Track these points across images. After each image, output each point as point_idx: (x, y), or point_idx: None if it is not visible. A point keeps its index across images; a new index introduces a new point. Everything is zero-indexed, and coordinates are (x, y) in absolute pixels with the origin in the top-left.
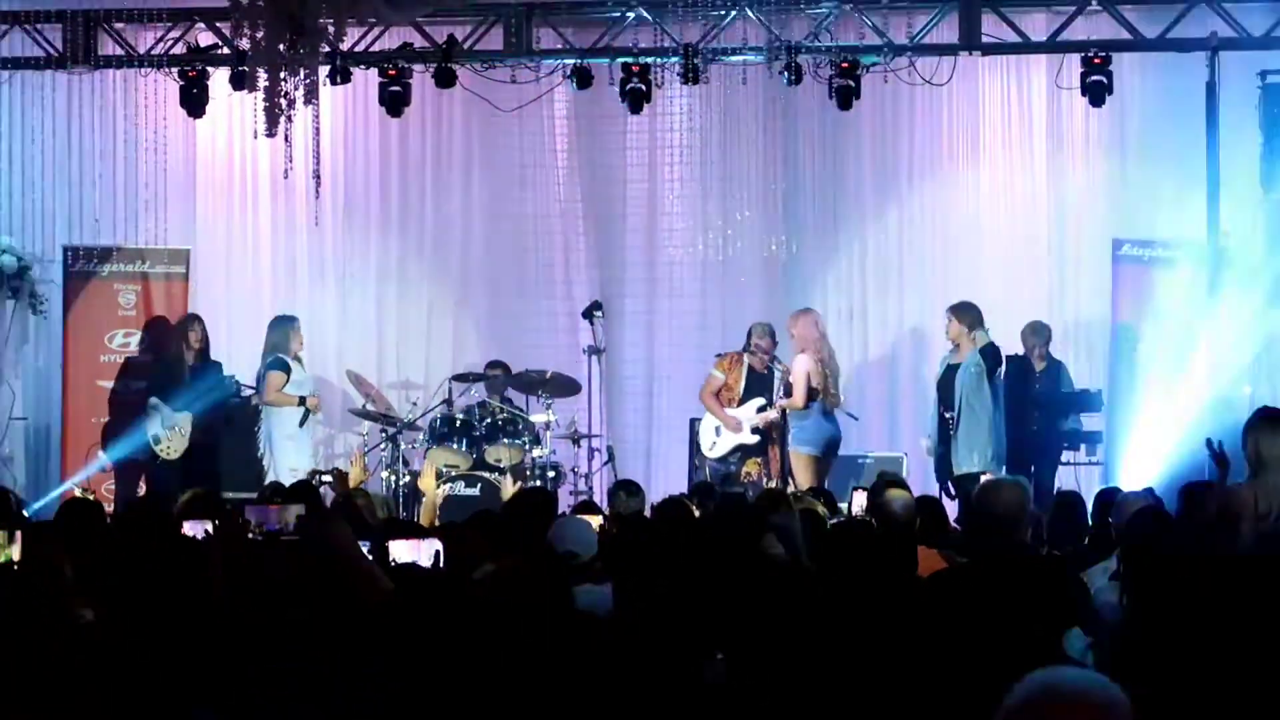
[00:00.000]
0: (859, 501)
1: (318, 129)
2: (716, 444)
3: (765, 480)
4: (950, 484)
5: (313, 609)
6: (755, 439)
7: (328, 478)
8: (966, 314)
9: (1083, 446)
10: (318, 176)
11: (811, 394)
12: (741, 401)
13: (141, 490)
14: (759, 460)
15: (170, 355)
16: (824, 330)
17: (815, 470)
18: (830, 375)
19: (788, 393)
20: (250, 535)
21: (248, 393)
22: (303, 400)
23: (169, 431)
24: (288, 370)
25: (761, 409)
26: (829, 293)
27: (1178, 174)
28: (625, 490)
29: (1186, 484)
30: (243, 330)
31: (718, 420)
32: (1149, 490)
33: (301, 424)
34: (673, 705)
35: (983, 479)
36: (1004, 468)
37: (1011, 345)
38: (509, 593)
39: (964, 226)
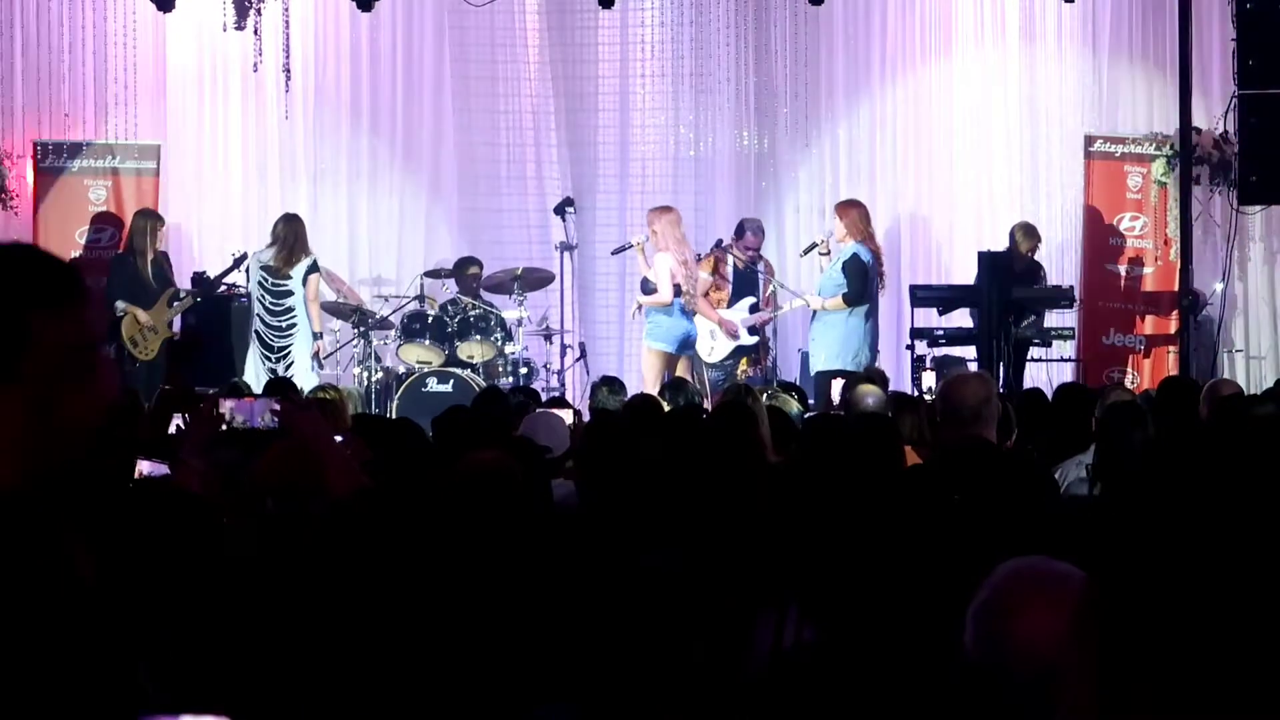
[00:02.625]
0: (837, 391)
1: (287, 22)
2: (714, 348)
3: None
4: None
5: (288, 501)
6: (754, 339)
7: (328, 397)
8: (847, 214)
9: (1054, 344)
10: (288, 70)
11: (675, 290)
12: (731, 301)
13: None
14: (752, 357)
15: (133, 249)
16: (682, 234)
17: (665, 366)
18: (690, 278)
19: (645, 289)
20: (224, 427)
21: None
22: (318, 336)
23: (145, 333)
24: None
25: (753, 308)
26: (801, 189)
27: (1150, 70)
28: (608, 386)
29: (1166, 378)
30: (214, 226)
31: (711, 324)
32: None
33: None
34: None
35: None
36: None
37: (986, 241)
38: (488, 485)
39: (936, 122)
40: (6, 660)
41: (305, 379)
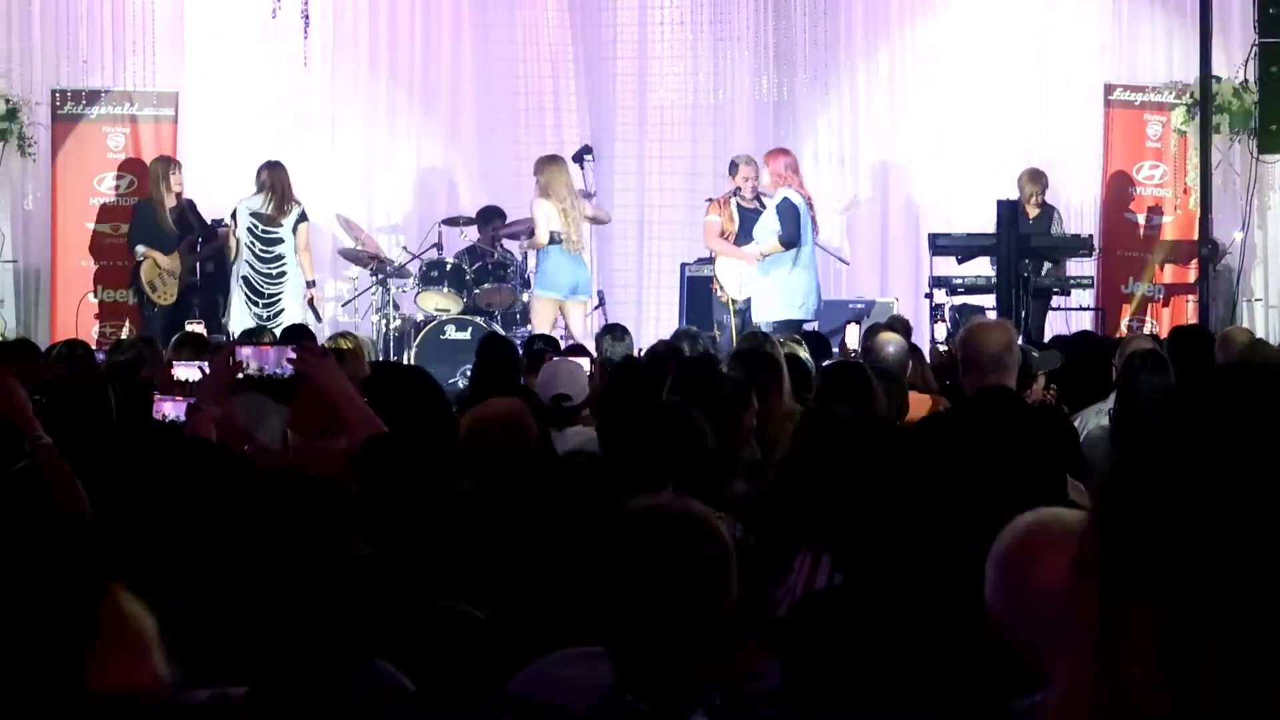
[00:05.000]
0: (853, 336)
1: None
2: (744, 285)
3: None
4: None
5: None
6: None
7: (346, 344)
8: (773, 161)
9: (1073, 292)
10: (306, 15)
11: (553, 237)
12: (737, 240)
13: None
14: None
15: (152, 198)
16: (570, 182)
17: (556, 313)
18: (571, 220)
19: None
20: (240, 375)
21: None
22: (311, 284)
23: (164, 277)
24: None
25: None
26: (820, 136)
27: (1170, 18)
28: (612, 334)
29: (1175, 327)
30: (233, 173)
31: (735, 261)
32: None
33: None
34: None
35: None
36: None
37: (1005, 189)
38: (494, 433)
39: (955, 69)
40: None
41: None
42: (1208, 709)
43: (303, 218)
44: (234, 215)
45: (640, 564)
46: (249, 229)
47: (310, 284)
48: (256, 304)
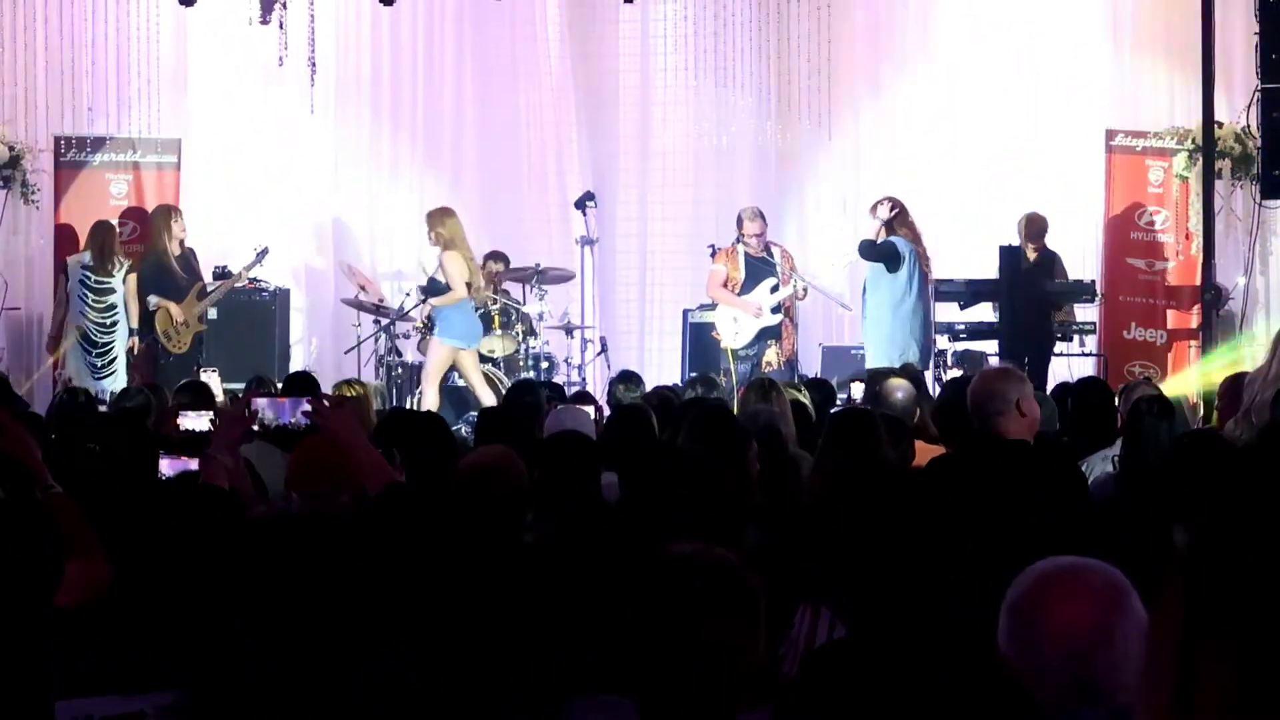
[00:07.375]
0: (859, 391)
1: (313, 16)
2: (739, 333)
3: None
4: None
5: (314, 497)
6: (778, 318)
7: (352, 391)
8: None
9: (1075, 338)
10: (314, 64)
11: (467, 286)
12: (743, 288)
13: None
14: (776, 346)
15: (157, 248)
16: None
17: (450, 361)
18: (475, 272)
19: (434, 291)
20: (255, 428)
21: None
22: (133, 333)
23: (177, 327)
24: None
25: (774, 289)
26: (822, 181)
27: (1172, 63)
28: (624, 383)
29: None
30: (235, 220)
31: (734, 310)
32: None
33: None
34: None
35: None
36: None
37: (1006, 235)
38: (490, 480)
39: (956, 115)
40: None
41: (122, 376)
42: None
43: (132, 269)
44: (65, 270)
45: (673, 610)
46: (80, 281)
47: (133, 332)
48: (90, 353)
